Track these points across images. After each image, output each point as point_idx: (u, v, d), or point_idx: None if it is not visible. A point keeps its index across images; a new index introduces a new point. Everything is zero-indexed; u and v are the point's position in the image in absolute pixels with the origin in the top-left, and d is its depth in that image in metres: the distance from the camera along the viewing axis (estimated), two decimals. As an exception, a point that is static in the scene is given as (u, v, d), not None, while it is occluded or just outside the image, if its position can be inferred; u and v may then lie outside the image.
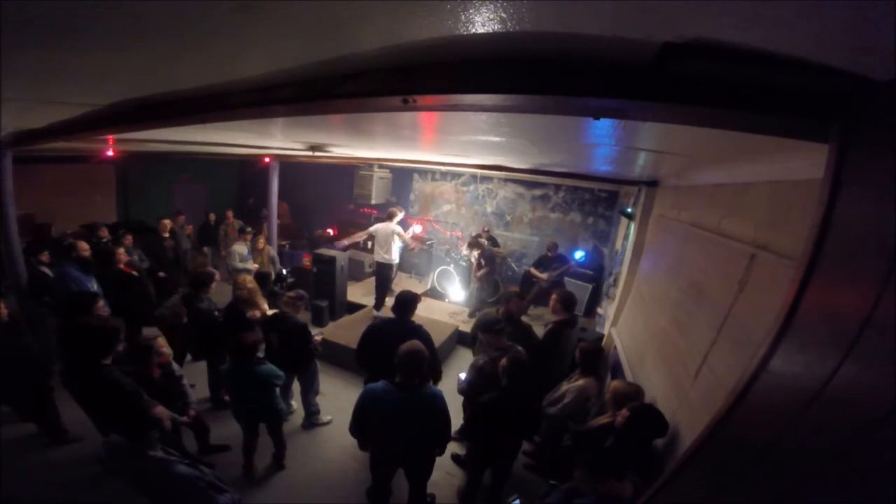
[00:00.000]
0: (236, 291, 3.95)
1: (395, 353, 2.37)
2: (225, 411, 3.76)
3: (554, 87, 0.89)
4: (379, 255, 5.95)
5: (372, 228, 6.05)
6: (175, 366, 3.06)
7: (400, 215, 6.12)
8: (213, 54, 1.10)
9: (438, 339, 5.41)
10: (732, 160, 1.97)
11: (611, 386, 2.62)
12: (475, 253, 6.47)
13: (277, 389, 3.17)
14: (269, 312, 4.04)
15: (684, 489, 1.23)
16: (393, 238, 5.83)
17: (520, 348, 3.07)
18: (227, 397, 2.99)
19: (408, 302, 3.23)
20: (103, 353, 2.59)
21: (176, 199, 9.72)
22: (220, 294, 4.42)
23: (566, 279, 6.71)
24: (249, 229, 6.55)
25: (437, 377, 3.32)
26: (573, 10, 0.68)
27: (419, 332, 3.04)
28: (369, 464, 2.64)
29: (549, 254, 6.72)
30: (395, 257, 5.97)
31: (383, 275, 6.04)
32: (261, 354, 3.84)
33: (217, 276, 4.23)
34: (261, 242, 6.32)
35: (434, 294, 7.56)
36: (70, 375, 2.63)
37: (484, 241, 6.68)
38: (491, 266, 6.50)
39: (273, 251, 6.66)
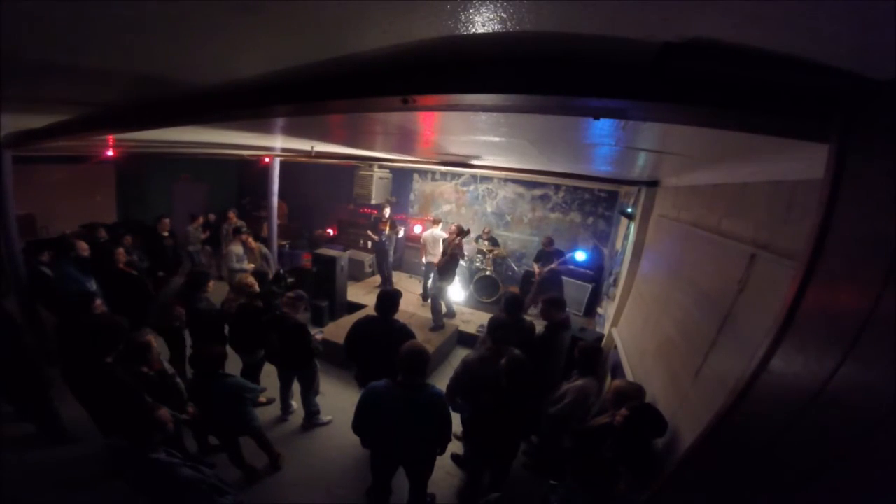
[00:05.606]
0: (236, 288, 3.91)
1: (382, 349, 2.38)
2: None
3: (554, 87, 0.89)
4: (430, 258, 6.75)
5: (422, 238, 6.97)
6: (166, 364, 3.05)
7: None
8: (213, 54, 1.10)
9: (439, 338, 5.47)
10: (732, 160, 1.97)
11: (612, 385, 2.62)
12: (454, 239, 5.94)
13: (249, 402, 3.07)
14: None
15: (684, 489, 1.23)
16: (439, 242, 6.59)
17: (517, 351, 3.02)
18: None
19: (390, 300, 3.28)
20: (106, 350, 2.60)
21: (176, 199, 9.70)
22: (218, 294, 4.42)
23: (565, 279, 6.69)
24: (245, 229, 6.54)
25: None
26: (573, 10, 0.68)
27: (404, 331, 3.12)
28: (369, 463, 2.65)
29: (545, 248, 6.70)
30: None
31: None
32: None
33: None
34: (251, 242, 6.29)
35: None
36: (72, 373, 2.64)
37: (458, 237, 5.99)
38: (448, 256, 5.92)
39: (265, 249, 6.62)
